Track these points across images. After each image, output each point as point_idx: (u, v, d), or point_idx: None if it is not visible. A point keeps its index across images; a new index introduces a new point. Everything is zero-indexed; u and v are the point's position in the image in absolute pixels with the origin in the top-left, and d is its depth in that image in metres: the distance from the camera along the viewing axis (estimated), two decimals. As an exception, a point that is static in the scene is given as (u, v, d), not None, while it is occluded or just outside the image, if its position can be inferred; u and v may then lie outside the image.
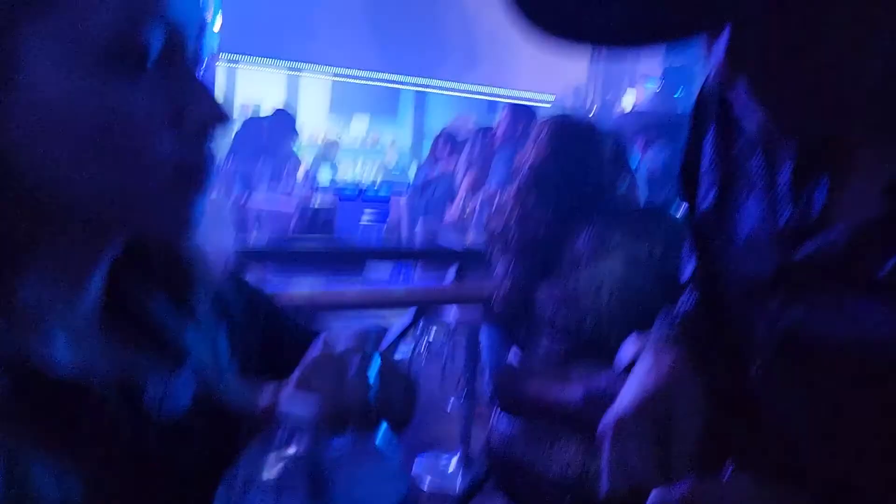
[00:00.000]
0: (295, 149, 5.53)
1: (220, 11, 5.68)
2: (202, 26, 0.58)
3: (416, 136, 8.98)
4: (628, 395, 0.78)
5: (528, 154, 1.93)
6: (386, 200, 6.61)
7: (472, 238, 3.89)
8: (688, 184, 0.85)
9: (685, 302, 0.91)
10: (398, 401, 0.66)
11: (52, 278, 0.55)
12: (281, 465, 0.53)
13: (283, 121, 5.41)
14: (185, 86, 0.56)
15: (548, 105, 7.96)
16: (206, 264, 0.67)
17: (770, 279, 0.67)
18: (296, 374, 0.62)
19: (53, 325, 0.54)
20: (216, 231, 0.68)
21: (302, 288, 2.08)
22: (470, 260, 2.23)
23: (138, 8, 0.53)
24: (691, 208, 0.85)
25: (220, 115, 0.57)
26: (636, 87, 6.96)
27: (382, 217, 6.35)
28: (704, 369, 0.79)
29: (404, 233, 5.17)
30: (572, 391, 1.74)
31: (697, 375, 0.78)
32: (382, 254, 2.32)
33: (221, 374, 0.68)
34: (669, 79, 6.26)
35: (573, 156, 1.89)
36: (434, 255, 2.29)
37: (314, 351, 0.63)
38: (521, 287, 1.91)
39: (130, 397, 0.57)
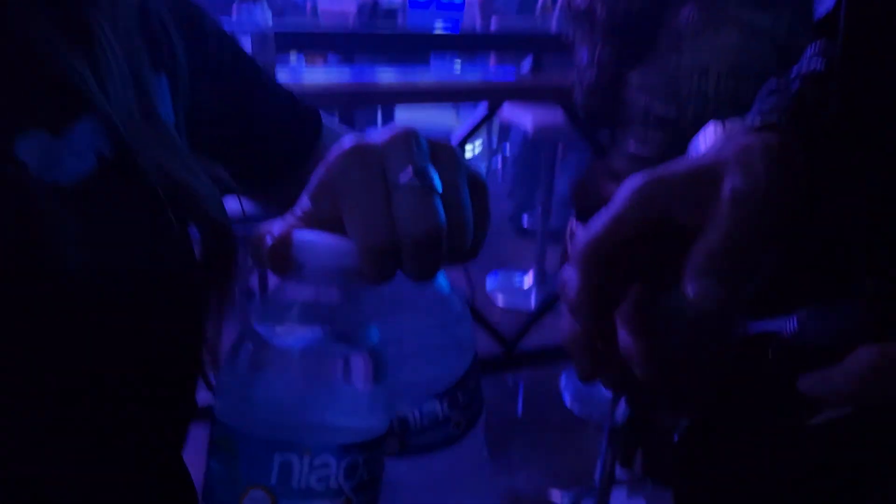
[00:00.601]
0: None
1: None
2: None
3: None
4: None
5: None
6: (460, 6, 6.12)
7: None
8: None
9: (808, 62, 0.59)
10: (464, 228, 0.38)
11: None
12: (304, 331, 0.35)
13: None
14: None
15: None
16: None
17: None
18: (313, 183, 0.39)
19: None
20: None
21: (362, 78, 1.81)
22: (548, 47, 1.90)
23: None
24: None
25: None
26: None
27: (455, 25, 5.90)
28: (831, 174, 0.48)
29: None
30: None
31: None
32: (451, 41, 2.00)
33: (161, 136, 0.45)
34: None
35: None
36: (507, 43, 1.97)
37: (343, 146, 0.38)
38: (610, 75, 1.60)
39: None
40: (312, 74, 1.79)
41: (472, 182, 0.39)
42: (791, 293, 0.52)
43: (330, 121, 0.67)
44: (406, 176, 0.36)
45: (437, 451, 0.41)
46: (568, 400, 2.42)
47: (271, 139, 0.62)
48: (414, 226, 0.35)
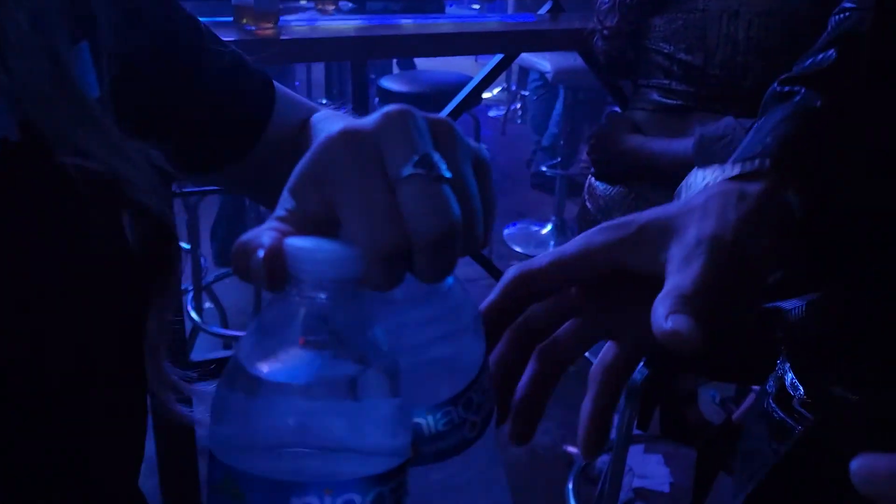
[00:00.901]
0: None
1: None
2: None
3: None
4: None
5: None
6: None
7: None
8: None
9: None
10: (476, 217, 0.33)
11: None
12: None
13: None
14: None
15: None
16: None
17: None
18: (296, 177, 0.33)
19: None
20: None
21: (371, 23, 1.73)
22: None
23: None
24: None
25: None
26: None
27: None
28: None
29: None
30: (683, 141, 1.40)
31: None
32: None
33: (80, 114, 0.39)
34: None
35: None
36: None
37: (331, 132, 0.33)
38: (633, 21, 1.51)
39: None
40: (323, 23, 1.72)
41: (475, 162, 0.34)
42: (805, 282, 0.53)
43: (285, 91, 0.59)
44: (410, 165, 0.31)
45: (453, 456, 0.37)
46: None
47: (216, 113, 0.54)
48: (427, 223, 0.30)
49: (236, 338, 2.37)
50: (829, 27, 0.60)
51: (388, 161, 0.31)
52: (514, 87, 4.84)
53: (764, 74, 1.34)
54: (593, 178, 1.60)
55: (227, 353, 2.28)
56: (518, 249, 3.30)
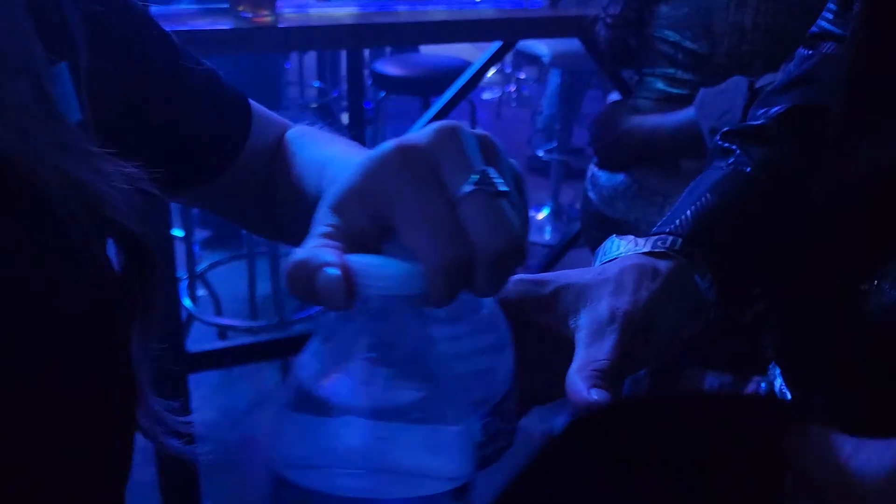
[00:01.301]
0: None
1: None
2: None
3: None
4: None
5: None
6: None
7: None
8: None
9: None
10: (525, 228, 0.38)
11: None
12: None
13: None
14: None
15: None
16: None
17: None
18: (340, 193, 0.34)
19: None
20: None
21: (370, 13, 1.69)
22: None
23: None
24: None
25: None
26: None
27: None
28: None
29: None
30: (683, 111, 1.38)
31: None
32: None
33: (60, 134, 0.38)
34: None
35: None
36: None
37: (384, 148, 0.33)
38: (636, 8, 1.48)
39: None
40: (319, 9, 1.68)
41: (513, 175, 0.36)
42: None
43: (257, 108, 0.59)
44: (471, 182, 0.32)
45: (489, 465, 0.39)
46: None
47: (193, 131, 0.54)
48: (493, 239, 0.31)
49: (231, 327, 2.36)
50: (795, 60, 0.63)
51: (446, 177, 0.32)
52: (508, 70, 4.80)
53: (772, 62, 1.31)
54: (595, 168, 1.58)
55: (223, 343, 2.27)
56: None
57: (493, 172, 0.32)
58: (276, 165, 0.57)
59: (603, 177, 1.55)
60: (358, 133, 2.50)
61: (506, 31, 1.72)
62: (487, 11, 1.78)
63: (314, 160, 0.52)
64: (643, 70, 1.53)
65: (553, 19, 1.71)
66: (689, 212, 0.52)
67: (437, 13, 1.74)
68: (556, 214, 3.32)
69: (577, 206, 1.80)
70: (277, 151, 0.58)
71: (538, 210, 3.37)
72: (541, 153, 3.57)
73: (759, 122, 0.60)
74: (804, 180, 0.55)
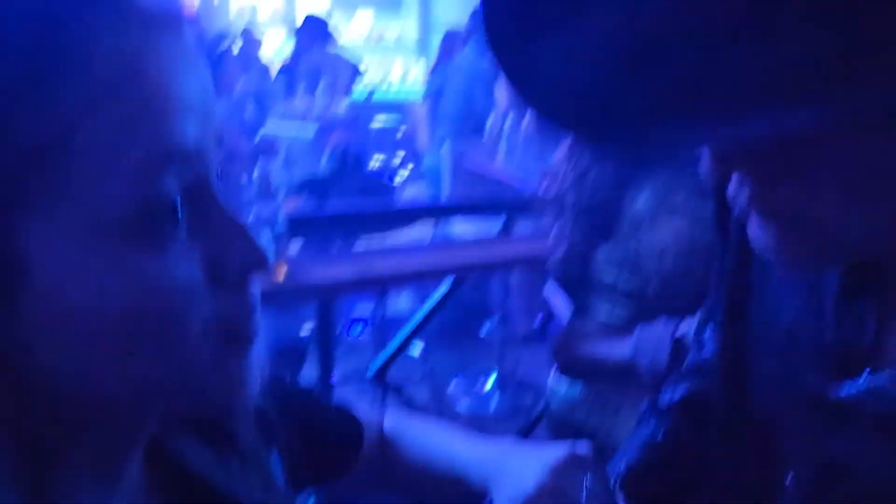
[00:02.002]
0: (335, 54, 5.05)
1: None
2: (221, 140, 0.49)
3: (422, 31, 8.66)
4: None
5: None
6: (400, 106, 6.44)
7: (501, 161, 3.81)
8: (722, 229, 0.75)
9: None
10: None
11: (86, 476, 0.48)
12: None
13: (314, 28, 5.05)
14: (219, 229, 0.47)
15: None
16: (248, 398, 0.54)
17: (815, 396, 0.61)
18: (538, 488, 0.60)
19: None
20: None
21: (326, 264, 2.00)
22: (520, 210, 2.16)
23: (154, 157, 0.43)
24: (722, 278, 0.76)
25: (260, 259, 0.48)
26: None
27: (397, 123, 6.21)
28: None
29: (422, 144, 5.06)
30: (625, 344, 1.73)
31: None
32: (421, 211, 2.24)
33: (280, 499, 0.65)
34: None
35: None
36: (477, 209, 2.21)
37: (538, 479, 0.58)
38: (580, 251, 1.86)
39: None
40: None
41: None
42: None
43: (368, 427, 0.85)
44: None
45: None
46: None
47: (321, 450, 0.80)
48: None
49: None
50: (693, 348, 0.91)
51: None
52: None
53: (692, 302, 1.69)
54: (557, 375, 1.91)
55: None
56: (462, 400, 3.55)
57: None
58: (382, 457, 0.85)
59: (564, 384, 1.88)
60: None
61: (459, 269, 2.03)
62: (441, 252, 2.10)
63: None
64: (588, 300, 1.89)
65: (506, 253, 2.07)
66: (622, 465, 0.72)
67: (391, 255, 2.05)
68: (500, 384, 3.60)
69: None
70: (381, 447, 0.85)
71: (486, 378, 3.66)
72: (483, 330, 3.88)
73: (669, 400, 0.79)
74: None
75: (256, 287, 0.49)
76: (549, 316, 4.14)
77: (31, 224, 0.41)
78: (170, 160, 0.43)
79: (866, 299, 0.59)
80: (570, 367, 1.87)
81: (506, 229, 2.15)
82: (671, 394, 0.83)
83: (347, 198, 3.22)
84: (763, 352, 0.68)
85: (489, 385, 3.63)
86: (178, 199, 0.44)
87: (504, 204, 2.16)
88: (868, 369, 0.57)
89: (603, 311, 1.84)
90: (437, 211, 2.37)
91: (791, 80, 0.40)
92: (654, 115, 0.41)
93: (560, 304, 2.85)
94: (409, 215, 2.15)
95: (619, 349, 1.74)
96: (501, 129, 3.74)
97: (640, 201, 1.78)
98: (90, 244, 0.42)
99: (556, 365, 1.92)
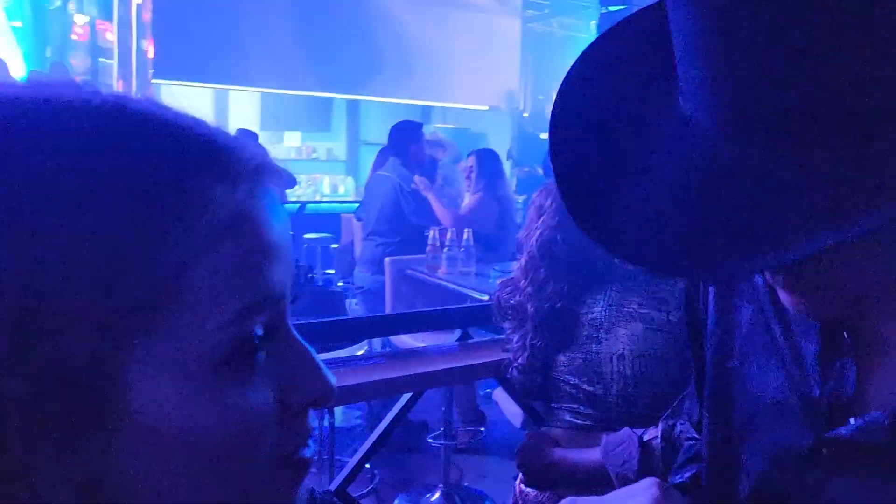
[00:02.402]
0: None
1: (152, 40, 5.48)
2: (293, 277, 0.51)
3: (351, 146, 8.89)
4: None
5: (534, 227, 1.94)
6: (334, 216, 6.53)
7: (444, 271, 3.90)
8: (695, 341, 0.89)
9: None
10: None
11: None
12: None
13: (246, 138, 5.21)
14: (293, 362, 0.49)
15: (485, 108, 8.02)
16: None
17: (809, 449, 0.69)
18: None
19: None
20: None
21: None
22: (477, 320, 2.22)
23: (254, 303, 0.45)
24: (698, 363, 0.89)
25: (329, 391, 0.50)
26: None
27: (334, 236, 6.28)
28: None
29: (358, 253, 5.12)
30: (596, 450, 1.77)
31: None
32: (379, 324, 2.28)
33: None
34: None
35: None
36: (434, 321, 2.27)
37: None
38: (541, 359, 1.92)
39: None
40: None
41: None
42: None
43: None
44: None
45: None
46: None
47: None
48: None
49: None
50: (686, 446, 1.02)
51: None
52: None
53: (652, 402, 1.77)
54: (523, 485, 1.93)
55: None
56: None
57: None
58: None
59: (531, 493, 1.90)
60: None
61: (418, 383, 2.07)
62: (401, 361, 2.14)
63: None
64: (552, 404, 1.94)
65: (468, 366, 2.12)
66: None
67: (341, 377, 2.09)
68: (446, 496, 3.56)
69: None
70: None
71: (431, 493, 3.61)
72: (430, 439, 3.87)
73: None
74: None
75: (312, 417, 0.51)
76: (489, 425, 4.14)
77: (130, 359, 0.42)
78: (265, 305, 0.46)
79: (845, 356, 0.67)
80: (538, 477, 1.89)
81: (462, 338, 2.20)
82: (680, 476, 0.93)
83: (300, 310, 3.23)
84: (754, 425, 0.76)
85: (435, 498, 3.59)
86: (258, 334, 0.46)
87: (458, 313, 2.22)
88: (852, 419, 0.65)
89: (567, 414, 1.89)
90: (393, 322, 2.41)
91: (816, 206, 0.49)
92: (723, 249, 0.50)
93: (512, 410, 2.90)
94: (364, 327, 2.18)
95: (588, 455, 1.78)
96: (442, 242, 3.85)
97: (597, 310, 1.87)
98: (185, 379, 0.44)
99: (520, 477, 1.94)
